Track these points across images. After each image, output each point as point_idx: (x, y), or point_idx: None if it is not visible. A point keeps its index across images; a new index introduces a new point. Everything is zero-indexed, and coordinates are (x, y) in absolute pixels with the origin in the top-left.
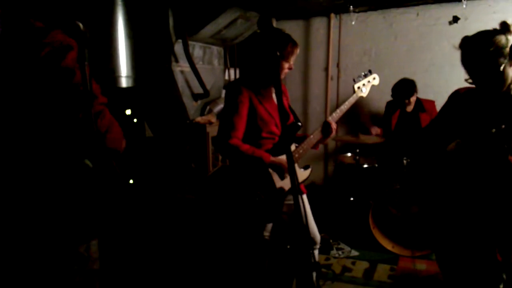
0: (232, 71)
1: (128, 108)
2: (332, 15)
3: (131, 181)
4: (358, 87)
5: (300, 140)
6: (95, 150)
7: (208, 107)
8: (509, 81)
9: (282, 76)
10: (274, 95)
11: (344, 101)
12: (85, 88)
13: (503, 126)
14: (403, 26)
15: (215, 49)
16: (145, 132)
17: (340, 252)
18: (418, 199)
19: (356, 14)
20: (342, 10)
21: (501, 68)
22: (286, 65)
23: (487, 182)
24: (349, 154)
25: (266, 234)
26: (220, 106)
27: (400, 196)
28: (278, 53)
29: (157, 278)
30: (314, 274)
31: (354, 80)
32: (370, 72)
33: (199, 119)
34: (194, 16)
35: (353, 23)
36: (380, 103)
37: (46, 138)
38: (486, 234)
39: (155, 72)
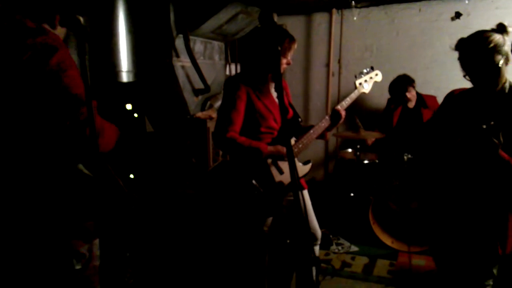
0: (233, 66)
1: (128, 103)
2: (334, 10)
3: (131, 176)
4: (360, 83)
5: (302, 133)
6: (87, 155)
7: (208, 102)
8: (503, 80)
9: (281, 71)
10: (273, 90)
11: (345, 97)
12: (85, 84)
13: (492, 122)
14: (405, 22)
15: (216, 44)
16: (145, 127)
17: (339, 248)
18: (417, 195)
19: (358, 10)
20: (344, 5)
21: (499, 65)
22: (284, 61)
23: (481, 177)
24: (349, 150)
25: (266, 228)
26: (220, 102)
27: (400, 192)
28: (279, 48)
29: (157, 272)
30: (314, 269)
31: (355, 76)
32: (373, 68)
33: (199, 114)
34: (195, 11)
35: (354, 18)
36: (381, 99)
37: (35, 143)
38: (482, 228)
39: (156, 67)
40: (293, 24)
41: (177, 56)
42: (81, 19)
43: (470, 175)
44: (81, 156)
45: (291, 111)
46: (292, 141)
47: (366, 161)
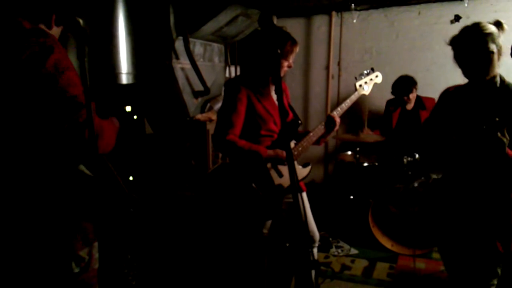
0: (232, 68)
1: (128, 105)
2: (334, 13)
3: (130, 178)
4: (360, 85)
5: (300, 137)
6: (87, 157)
7: (208, 105)
8: (494, 71)
9: (281, 74)
10: (273, 93)
11: (345, 100)
12: (85, 85)
13: (497, 119)
14: (405, 25)
15: (216, 46)
16: (145, 129)
17: (339, 250)
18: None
19: (357, 12)
20: (343, 8)
21: (492, 53)
22: (285, 64)
23: (487, 177)
24: (349, 153)
25: (265, 231)
26: (220, 104)
27: (400, 195)
28: (279, 51)
29: (158, 274)
30: (313, 272)
31: (355, 78)
32: (373, 70)
33: (199, 116)
34: (195, 13)
35: (354, 21)
36: (381, 102)
37: (34, 145)
38: (486, 227)
39: (155, 69)
40: (293, 27)
41: (177, 58)
42: (81, 21)
43: (474, 173)
44: (80, 158)
45: (291, 114)
46: (292, 144)
47: (365, 164)
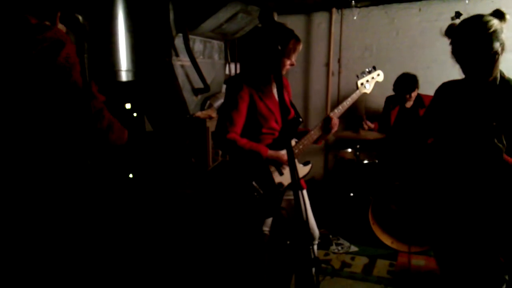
0: (232, 65)
1: (128, 102)
2: (334, 9)
3: (130, 176)
4: (362, 83)
5: (301, 136)
6: (96, 150)
7: (208, 102)
8: (497, 70)
9: (284, 72)
10: (274, 91)
11: (345, 97)
12: (84, 82)
13: (494, 124)
14: (405, 22)
15: (216, 43)
16: (145, 126)
17: (339, 248)
18: (417, 195)
19: (358, 9)
20: (344, 4)
21: (496, 52)
22: (287, 62)
23: (482, 182)
24: (349, 150)
25: (266, 229)
26: (220, 101)
27: (400, 192)
28: (279, 48)
29: (157, 272)
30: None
31: (357, 76)
32: (375, 68)
33: (199, 113)
34: (194, 10)
35: (354, 18)
36: (381, 99)
37: (43, 139)
38: (483, 233)
39: (155, 66)
40: (293, 24)
41: (177, 55)
42: (80, 17)
43: (471, 179)
44: (91, 149)
45: (292, 111)
46: (293, 142)
47: (365, 161)
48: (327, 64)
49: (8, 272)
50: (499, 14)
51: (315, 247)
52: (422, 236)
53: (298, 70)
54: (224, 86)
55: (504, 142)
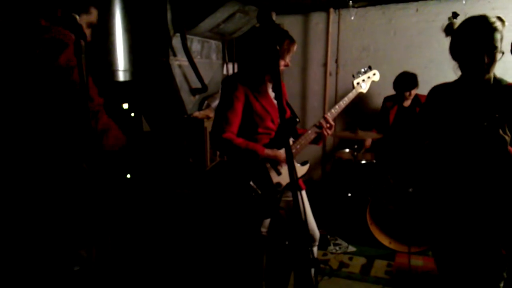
0: (230, 65)
1: (125, 102)
2: (331, 10)
3: (128, 176)
4: (358, 83)
5: (298, 135)
6: (91, 153)
7: (206, 102)
8: (493, 70)
9: None
10: (270, 90)
11: (343, 97)
12: (82, 82)
13: (497, 115)
14: (402, 22)
15: (214, 43)
16: (142, 126)
17: (337, 248)
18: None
19: (355, 9)
20: (341, 5)
21: (497, 50)
22: (282, 62)
23: (488, 176)
24: (347, 150)
25: (264, 230)
26: (218, 101)
27: (397, 192)
28: (278, 47)
29: (155, 272)
30: (313, 271)
31: (353, 76)
32: (370, 68)
33: (197, 113)
34: (192, 9)
35: (352, 18)
36: (379, 99)
37: (41, 138)
38: (487, 230)
39: (152, 66)
40: (291, 24)
41: (174, 55)
42: (77, 17)
43: (472, 172)
44: (86, 151)
45: (288, 112)
46: (290, 142)
47: (363, 161)
48: (325, 64)
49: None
50: (500, 19)
51: (315, 248)
52: (420, 236)
53: (295, 70)
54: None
55: (508, 133)
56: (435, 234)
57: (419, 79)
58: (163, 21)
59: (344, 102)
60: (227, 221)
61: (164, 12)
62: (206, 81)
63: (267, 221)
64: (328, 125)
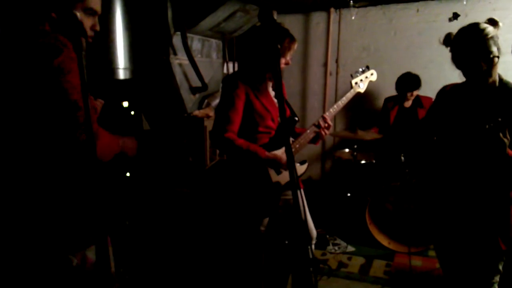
0: (230, 64)
1: (125, 101)
2: (332, 9)
3: (128, 174)
4: (356, 83)
5: (297, 135)
6: (82, 160)
7: (206, 101)
8: (495, 74)
9: None
10: (270, 89)
11: (342, 97)
12: (82, 80)
13: (500, 119)
14: (403, 22)
15: (214, 42)
16: (142, 125)
17: (336, 248)
18: (415, 196)
19: (356, 9)
20: (342, 4)
21: (494, 56)
22: (282, 61)
23: (486, 176)
24: (346, 150)
25: (263, 228)
26: (218, 100)
27: (397, 192)
28: (278, 45)
29: (154, 271)
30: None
31: (351, 76)
32: (368, 68)
33: (196, 112)
34: (193, 8)
35: (353, 18)
36: (379, 99)
37: (37, 143)
38: (486, 225)
39: (153, 65)
40: (291, 23)
41: (175, 53)
42: (78, 14)
43: (473, 172)
44: (76, 160)
45: (288, 111)
46: (289, 141)
47: (363, 161)
48: (325, 64)
49: None
50: (493, 22)
51: (312, 246)
52: (419, 236)
53: (296, 69)
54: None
55: (508, 136)
56: (436, 230)
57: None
58: (164, 19)
59: (343, 101)
60: (226, 220)
61: (165, 10)
62: (206, 80)
63: (265, 220)
64: (326, 125)
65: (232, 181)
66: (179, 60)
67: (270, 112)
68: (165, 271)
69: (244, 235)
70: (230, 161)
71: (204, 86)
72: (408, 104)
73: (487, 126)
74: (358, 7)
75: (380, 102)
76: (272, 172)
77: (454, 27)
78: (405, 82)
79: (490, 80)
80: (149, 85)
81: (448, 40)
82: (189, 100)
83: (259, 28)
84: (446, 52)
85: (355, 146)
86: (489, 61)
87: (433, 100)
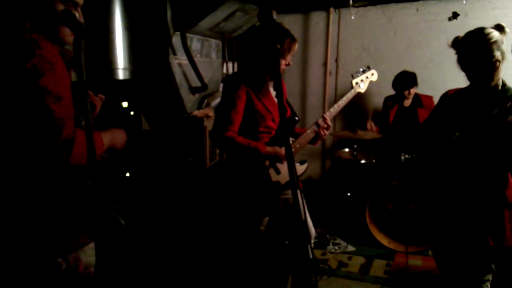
0: (230, 64)
1: (125, 101)
2: (332, 9)
3: (127, 174)
4: (356, 83)
5: (297, 135)
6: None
7: (205, 101)
8: (498, 77)
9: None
10: (271, 90)
11: (342, 97)
12: (81, 80)
13: (509, 120)
14: (403, 22)
15: (213, 42)
16: (142, 125)
17: (336, 247)
18: (414, 194)
19: (355, 9)
20: (341, 4)
21: (497, 60)
22: (283, 62)
23: (478, 178)
24: (346, 150)
25: (262, 228)
26: (217, 100)
27: (397, 192)
28: (278, 46)
29: (153, 271)
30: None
31: (352, 76)
32: (369, 68)
33: (196, 112)
34: (192, 8)
35: (352, 17)
36: (379, 99)
37: (16, 145)
38: (477, 222)
39: (152, 65)
40: (291, 23)
41: (174, 53)
42: (77, 14)
43: (466, 172)
44: (52, 164)
45: (288, 111)
46: (290, 140)
47: (363, 161)
48: (325, 64)
49: None
50: (499, 28)
51: (312, 245)
52: (419, 236)
53: (295, 69)
54: (221, 85)
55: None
56: (432, 230)
57: (419, 78)
58: (163, 19)
59: (343, 101)
60: (226, 220)
61: (164, 10)
62: (205, 80)
63: (265, 220)
64: (325, 125)
65: (232, 181)
66: (178, 60)
67: (271, 113)
68: (165, 271)
69: (244, 235)
70: (230, 161)
71: (204, 86)
72: (407, 103)
73: (491, 117)
74: (357, 7)
75: (380, 102)
76: (272, 172)
77: (453, 27)
78: (401, 80)
79: (492, 84)
80: (149, 85)
81: (456, 43)
82: (189, 100)
83: (259, 28)
84: (445, 52)
85: (355, 146)
86: (491, 65)
87: (433, 98)
